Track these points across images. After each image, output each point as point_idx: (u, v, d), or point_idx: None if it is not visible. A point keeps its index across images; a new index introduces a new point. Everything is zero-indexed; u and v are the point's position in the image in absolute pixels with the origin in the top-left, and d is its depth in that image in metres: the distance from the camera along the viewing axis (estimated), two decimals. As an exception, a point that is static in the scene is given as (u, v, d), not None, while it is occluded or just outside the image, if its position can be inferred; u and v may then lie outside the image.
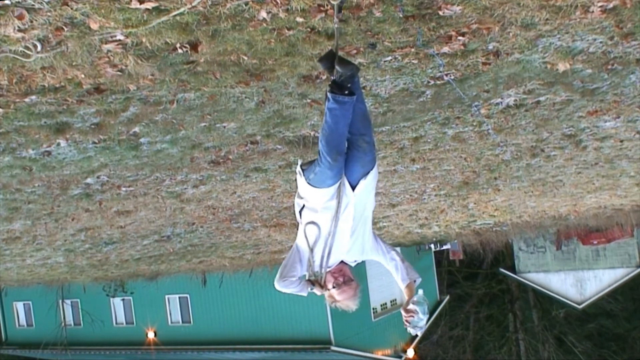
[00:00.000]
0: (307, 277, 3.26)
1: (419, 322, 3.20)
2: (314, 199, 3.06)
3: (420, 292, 3.26)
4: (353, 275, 3.29)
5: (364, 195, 3.07)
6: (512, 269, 25.61)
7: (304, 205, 3.13)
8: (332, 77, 2.86)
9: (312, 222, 3.12)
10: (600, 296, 24.23)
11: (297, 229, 3.25)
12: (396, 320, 20.92)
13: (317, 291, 3.28)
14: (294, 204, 3.25)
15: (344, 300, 3.26)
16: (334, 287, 3.22)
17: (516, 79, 4.50)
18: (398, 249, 20.20)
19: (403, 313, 3.24)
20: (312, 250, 3.15)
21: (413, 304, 3.21)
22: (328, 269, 3.21)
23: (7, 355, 24.56)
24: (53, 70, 3.25)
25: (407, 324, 3.22)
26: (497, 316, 29.39)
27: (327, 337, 18.11)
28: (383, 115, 4.97)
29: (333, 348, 18.01)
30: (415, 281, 3.32)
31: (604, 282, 23.91)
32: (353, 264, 3.34)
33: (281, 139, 5.36)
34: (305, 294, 3.35)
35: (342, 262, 3.26)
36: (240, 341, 19.25)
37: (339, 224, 3.06)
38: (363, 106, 3.02)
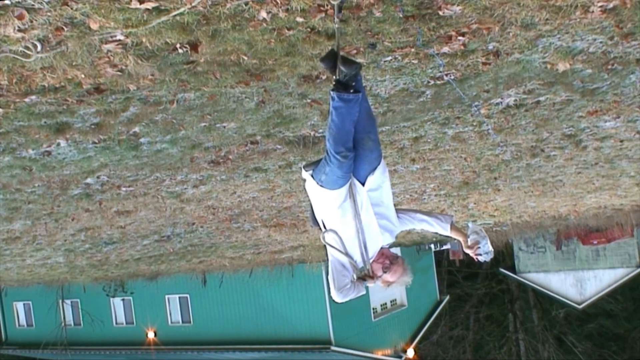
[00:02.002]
0: (355, 278, 3.30)
1: (485, 249, 3.31)
2: (329, 203, 3.09)
3: (470, 224, 3.38)
4: (394, 253, 3.36)
5: (375, 189, 3.11)
6: (512, 269, 25.59)
7: (323, 214, 3.18)
8: (334, 77, 2.86)
9: (330, 231, 3.18)
10: (600, 296, 24.21)
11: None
12: (396, 320, 20.93)
13: (370, 283, 3.33)
14: (313, 215, 3.28)
15: (398, 278, 3.32)
16: (384, 272, 3.27)
17: (516, 79, 4.50)
18: (398, 249, 20.23)
19: (469, 252, 3.34)
20: (347, 254, 3.19)
21: (470, 239, 3.33)
22: (371, 260, 3.25)
23: (7, 355, 24.55)
24: (53, 70, 3.25)
25: (478, 257, 3.32)
26: (497, 316, 29.38)
27: (327, 337, 18.10)
28: (383, 115, 4.97)
29: (333, 348, 18.00)
30: (453, 221, 3.43)
31: (604, 282, 23.90)
32: (387, 246, 3.39)
33: (281, 139, 5.36)
34: (364, 292, 3.40)
35: (380, 247, 3.31)
36: (240, 341, 19.25)
37: (362, 219, 3.11)
38: (367, 104, 3.04)
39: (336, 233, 3.17)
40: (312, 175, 3.06)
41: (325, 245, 3.26)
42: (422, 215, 3.45)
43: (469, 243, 3.34)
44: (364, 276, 3.28)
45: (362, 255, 3.21)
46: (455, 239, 3.47)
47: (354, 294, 3.33)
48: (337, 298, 3.32)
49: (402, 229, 3.42)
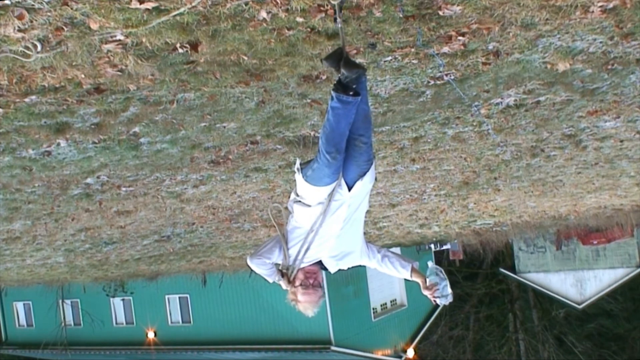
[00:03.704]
0: (279, 267, 3.26)
1: (443, 292, 3.21)
2: (309, 197, 3.07)
3: (429, 264, 3.29)
4: (322, 284, 3.31)
5: (359, 196, 3.08)
6: (512, 269, 25.58)
7: (298, 201, 3.15)
8: (338, 75, 2.85)
9: (291, 213, 3.16)
10: (600, 296, 24.20)
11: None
12: (396, 320, 20.92)
13: (282, 284, 3.28)
14: (289, 198, 3.26)
15: (305, 302, 3.27)
16: (300, 286, 3.22)
17: (516, 79, 4.50)
18: (397, 249, 20.22)
19: (427, 294, 3.25)
20: (286, 240, 3.17)
21: (428, 279, 3.24)
22: (301, 266, 3.21)
23: (7, 355, 24.55)
24: (53, 70, 3.25)
25: (436, 300, 3.23)
26: (497, 316, 29.36)
27: (327, 337, 18.10)
28: (383, 115, 4.97)
29: (333, 348, 18.00)
30: (415, 266, 3.36)
31: (604, 282, 23.89)
32: (333, 271, 3.33)
33: (281, 139, 5.36)
34: (271, 281, 3.34)
35: (319, 263, 3.26)
36: (240, 341, 19.24)
37: (325, 224, 3.07)
38: (366, 107, 3.02)
39: (293, 218, 3.15)
40: (301, 169, 3.05)
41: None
42: (387, 252, 3.39)
43: (427, 284, 3.22)
44: (284, 274, 3.24)
45: (299, 253, 3.16)
46: (415, 281, 3.37)
47: (263, 272, 3.28)
48: (249, 262, 3.26)
49: (360, 260, 3.34)
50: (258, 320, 19.23)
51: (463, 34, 3.56)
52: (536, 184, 8.86)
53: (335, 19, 2.83)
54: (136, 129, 4.62)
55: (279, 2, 2.99)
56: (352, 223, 3.15)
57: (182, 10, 2.89)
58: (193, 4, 2.88)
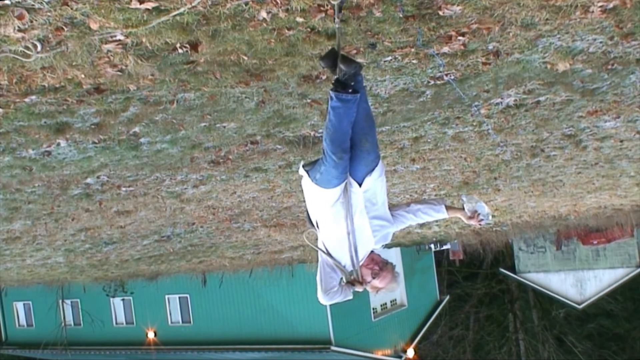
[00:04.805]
0: (344, 281, 3.29)
1: (484, 213, 3.38)
2: (322, 201, 3.08)
3: (463, 197, 3.42)
4: (384, 258, 3.34)
5: (371, 189, 3.11)
6: (512, 269, 25.58)
7: (315, 216, 3.18)
8: (334, 76, 2.86)
9: (310, 230, 3.21)
10: (600, 296, 24.21)
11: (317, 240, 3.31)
12: (396, 320, 20.93)
13: (358, 288, 3.31)
14: (307, 214, 3.28)
15: (386, 285, 3.30)
16: (373, 278, 3.25)
17: (516, 79, 4.50)
18: (397, 249, 20.24)
19: (472, 222, 3.36)
20: (329, 254, 3.19)
21: (468, 209, 3.35)
22: (360, 264, 3.23)
23: (7, 355, 24.55)
24: (53, 70, 3.25)
25: (481, 223, 3.38)
26: (497, 316, 29.37)
27: (327, 337, 18.10)
28: (383, 115, 4.97)
29: (333, 348, 18.01)
30: (446, 203, 3.44)
31: (604, 282, 23.89)
32: (381, 249, 3.38)
33: (281, 139, 5.36)
34: (351, 297, 3.37)
35: (371, 251, 3.29)
36: (240, 341, 19.25)
37: (355, 220, 3.10)
38: (366, 105, 3.03)
39: (318, 232, 3.18)
40: (307, 173, 3.06)
41: (320, 244, 3.27)
42: (415, 205, 3.42)
43: (468, 214, 3.35)
44: (353, 281, 3.27)
45: (352, 258, 3.18)
46: (453, 217, 3.48)
47: (340, 298, 3.31)
48: (323, 300, 3.30)
49: (398, 228, 3.40)
50: (258, 320, 19.24)
51: (463, 34, 3.56)
52: (536, 184, 8.86)
53: (334, 19, 2.84)
54: (136, 129, 4.62)
55: (279, 2, 2.99)
56: (375, 210, 3.18)
57: (182, 10, 2.89)
58: (193, 4, 2.88)
